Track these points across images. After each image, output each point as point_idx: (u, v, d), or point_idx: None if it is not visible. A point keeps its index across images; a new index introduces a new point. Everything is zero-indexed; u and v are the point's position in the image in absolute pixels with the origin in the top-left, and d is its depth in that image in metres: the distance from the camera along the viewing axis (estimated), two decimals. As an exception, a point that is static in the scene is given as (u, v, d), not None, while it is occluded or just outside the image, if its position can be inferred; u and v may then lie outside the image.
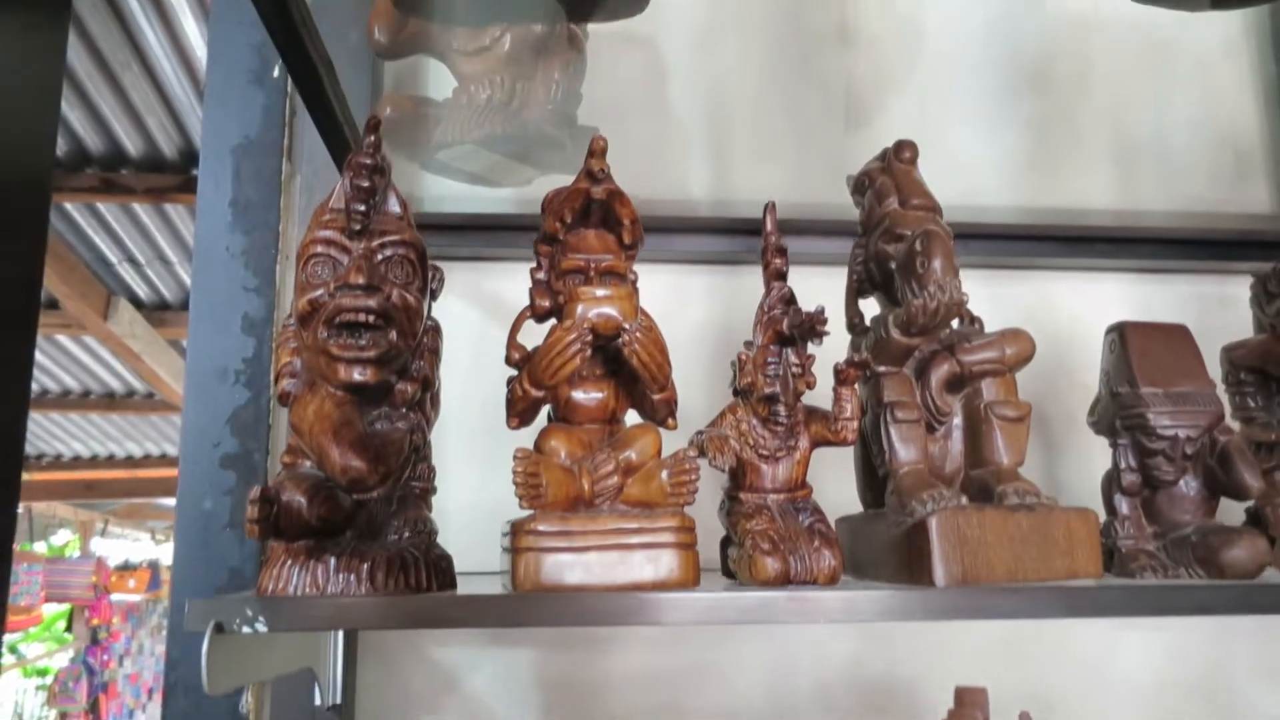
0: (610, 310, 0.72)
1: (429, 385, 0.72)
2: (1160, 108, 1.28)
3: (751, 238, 1.16)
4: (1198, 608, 0.71)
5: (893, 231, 0.82)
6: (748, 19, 1.24)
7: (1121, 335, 0.83)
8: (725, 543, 0.77)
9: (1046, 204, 1.24)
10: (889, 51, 1.25)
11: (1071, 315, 1.21)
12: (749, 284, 1.19)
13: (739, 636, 1.09)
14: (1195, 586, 0.73)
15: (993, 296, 1.22)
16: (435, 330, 0.73)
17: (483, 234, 1.08)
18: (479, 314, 1.13)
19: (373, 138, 0.68)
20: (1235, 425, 0.91)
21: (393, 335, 0.67)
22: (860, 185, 0.88)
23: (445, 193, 1.12)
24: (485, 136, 0.91)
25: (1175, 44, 1.29)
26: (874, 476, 0.81)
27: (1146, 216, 1.24)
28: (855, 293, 0.87)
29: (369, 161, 0.68)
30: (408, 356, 0.70)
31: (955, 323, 0.86)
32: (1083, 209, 1.24)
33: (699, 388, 0.98)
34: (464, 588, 0.72)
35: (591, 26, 1.12)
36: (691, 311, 1.17)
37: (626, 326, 0.71)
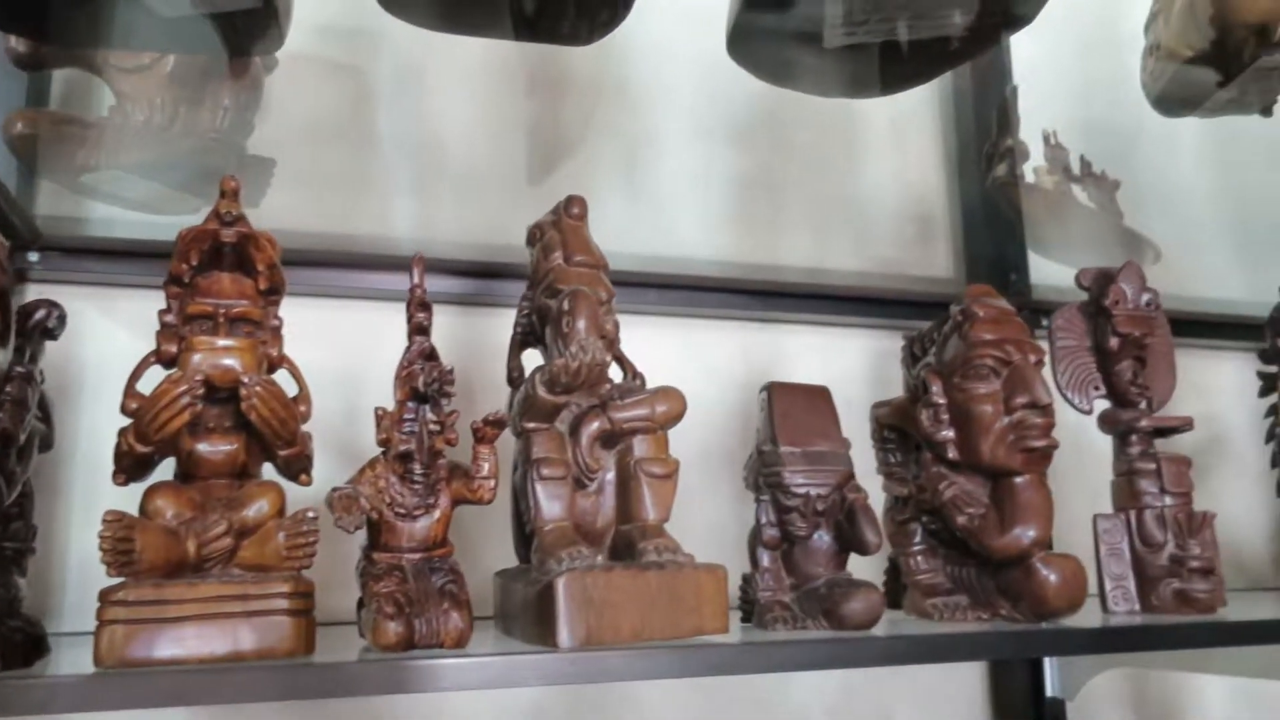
0: (228, 362, 0.68)
1: (9, 440, 0.65)
2: (854, 172, 1.38)
3: (456, 278, 1.16)
4: (809, 662, 0.74)
5: (553, 287, 0.82)
6: (461, 59, 1.23)
7: (770, 395, 0.87)
8: (359, 604, 0.75)
9: (746, 259, 1.30)
10: (602, 102, 1.27)
11: (764, 365, 1.27)
12: (452, 323, 1.18)
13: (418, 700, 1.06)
14: (805, 641, 0.76)
15: (690, 344, 1.26)
16: (25, 379, 0.66)
17: (152, 261, 1.01)
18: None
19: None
20: (880, 479, 0.97)
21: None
22: (532, 237, 0.88)
23: (116, 216, 1.03)
24: (138, 162, 0.84)
25: (869, 113, 1.39)
26: (524, 532, 0.81)
27: (837, 275, 1.32)
28: (519, 345, 0.86)
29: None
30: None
31: (620, 376, 0.87)
32: (779, 265, 1.31)
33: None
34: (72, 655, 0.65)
35: (290, 51, 1.07)
36: (386, 351, 1.14)
37: (245, 380, 0.67)
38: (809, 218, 1.35)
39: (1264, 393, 1.09)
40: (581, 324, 0.75)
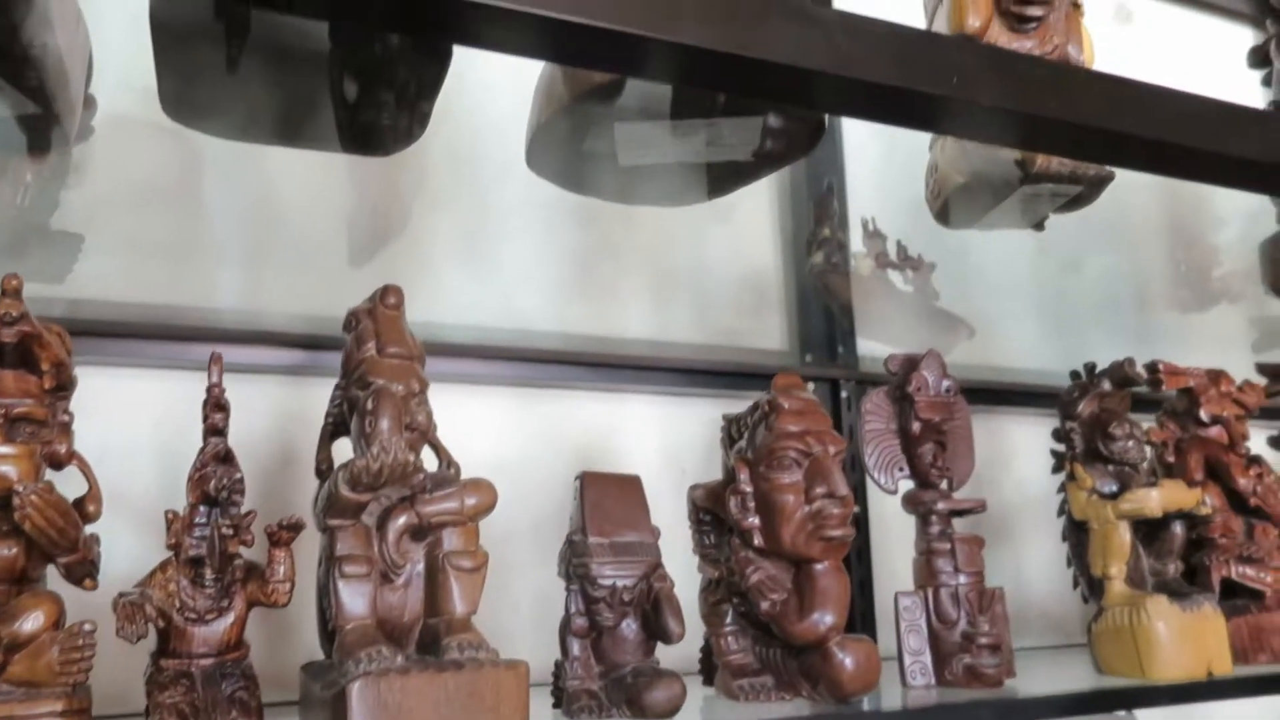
0: (3, 469, 0.65)
1: None
2: (695, 245, 1.42)
3: (286, 349, 1.14)
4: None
5: (364, 379, 0.82)
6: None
7: (581, 485, 0.89)
8: (146, 713, 0.73)
9: (587, 330, 1.32)
10: (441, 172, 1.28)
11: (604, 433, 1.30)
12: (283, 394, 1.16)
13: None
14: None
15: (529, 414, 1.28)
16: None
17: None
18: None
19: None
20: (696, 559, 1.00)
21: None
22: (348, 324, 0.88)
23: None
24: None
25: (710, 193, 1.44)
26: (328, 628, 0.80)
27: (675, 347, 1.36)
28: (329, 435, 0.86)
29: None
30: None
31: (435, 465, 0.88)
32: (620, 336, 1.34)
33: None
34: None
35: (115, 114, 1.05)
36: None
37: (18, 490, 0.65)
38: (649, 289, 1.38)
39: (1056, 469, 1.18)
40: (384, 424, 0.75)
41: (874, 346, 1.43)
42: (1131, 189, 1.47)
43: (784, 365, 1.42)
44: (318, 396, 1.16)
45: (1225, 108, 0.69)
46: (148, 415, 1.10)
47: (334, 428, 0.86)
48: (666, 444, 1.35)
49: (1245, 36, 2.04)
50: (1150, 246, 1.38)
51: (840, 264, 1.22)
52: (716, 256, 1.43)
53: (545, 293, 1.31)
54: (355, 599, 0.77)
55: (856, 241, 1.28)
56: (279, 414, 1.15)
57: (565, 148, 0.72)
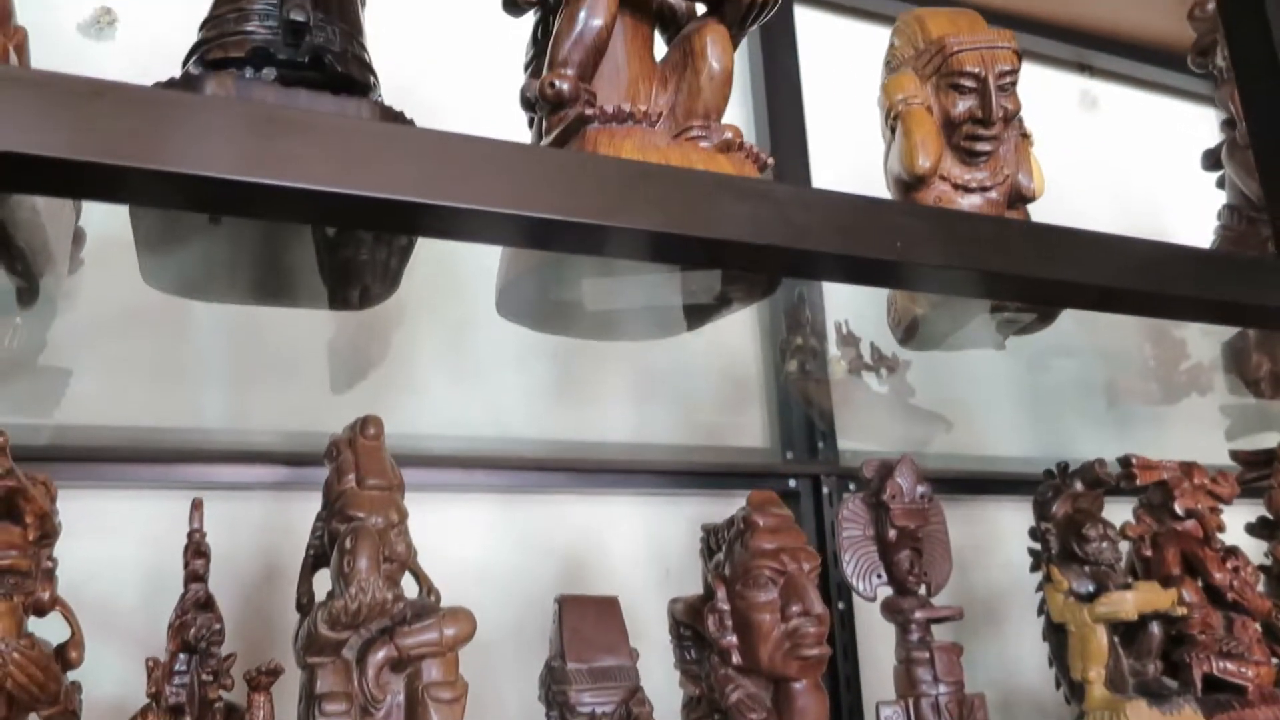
0: (-16, 627, 0.67)
1: None
2: (676, 345, 1.44)
3: (272, 466, 1.16)
4: None
5: (344, 512, 0.84)
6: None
7: (560, 609, 0.91)
8: None
9: (570, 434, 1.34)
10: (424, 283, 1.30)
11: (587, 537, 1.31)
12: (268, 510, 1.18)
13: None
14: None
15: (514, 522, 1.29)
16: None
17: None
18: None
19: None
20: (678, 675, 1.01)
21: None
22: (329, 453, 0.90)
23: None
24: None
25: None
26: (309, 766, 0.80)
27: (656, 450, 1.38)
28: (311, 567, 0.87)
29: None
30: None
31: (417, 591, 0.89)
32: (603, 440, 1.36)
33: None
34: None
35: (104, 236, 1.07)
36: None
37: (1, 647, 0.66)
38: (631, 390, 1.41)
39: (1034, 569, 1.19)
40: (363, 562, 0.77)
41: (854, 444, 1.45)
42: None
43: (765, 463, 1.44)
44: (301, 511, 1.18)
45: (1161, 249, 0.73)
46: (136, 535, 1.11)
47: (315, 559, 0.87)
48: (651, 545, 1.37)
49: (1209, 118, 2.10)
50: (1119, 341, 1.41)
51: (814, 370, 1.24)
52: (697, 355, 1.45)
53: (528, 399, 1.33)
54: (334, 737, 0.78)
55: (833, 344, 1.31)
56: (264, 529, 1.17)
57: (535, 299, 0.75)
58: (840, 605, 1.37)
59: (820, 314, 1.27)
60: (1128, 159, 2.05)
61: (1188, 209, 1.55)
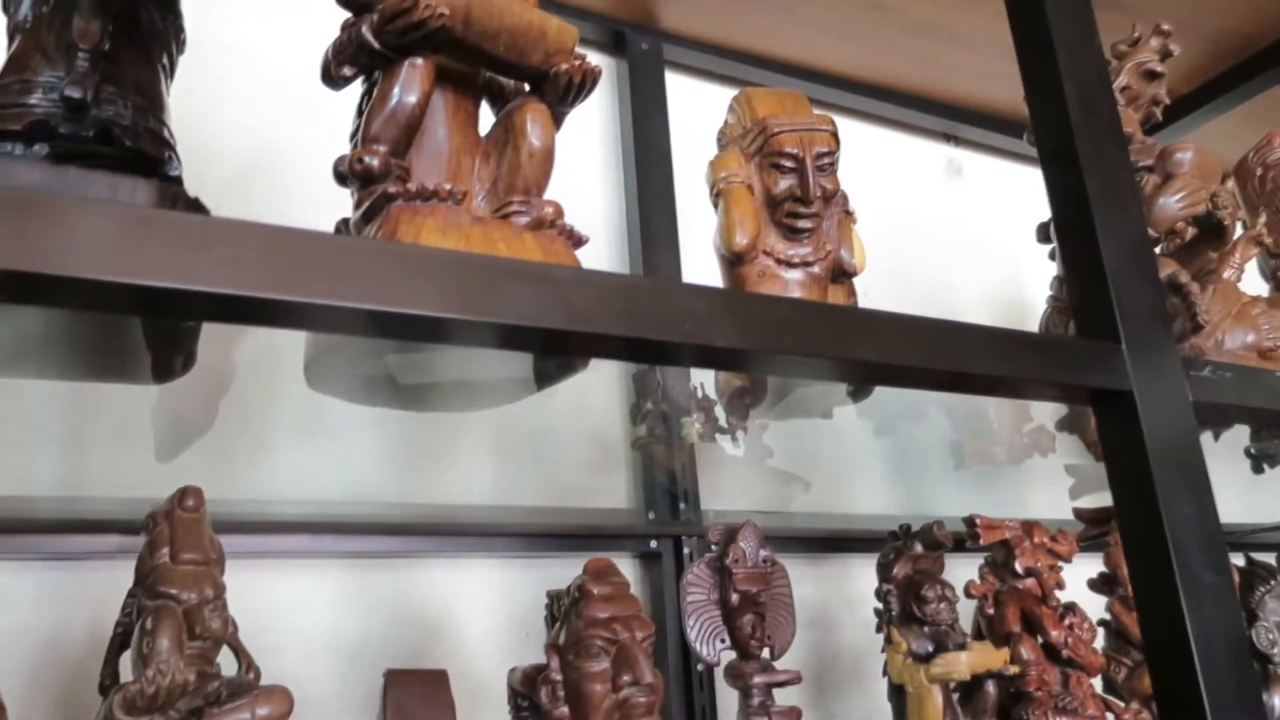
0: None
1: None
2: (538, 407, 1.45)
3: (110, 535, 1.12)
4: None
5: (154, 589, 0.81)
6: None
7: (385, 684, 0.89)
8: None
9: (428, 497, 1.33)
10: (273, 339, 1.29)
11: (445, 603, 1.30)
12: (104, 580, 1.13)
13: None
14: None
15: (368, 587, 1.27)
16: None
17: None
18: None
19: None
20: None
21: None
22: (146, 526, 0.88)
23: None
24: None
25: (553, 354, 1.49)
26: None
27: (517, 512, 1.37)
28: (118, 647, 0.85)
29: None
30: None
31: (238, 667, 0.87)
32: (463, 503, 1.35)
33: None
34: None
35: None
36: (18, 615, 1.08)
37: None
38: (492, 452, 1.40)
39: (878, 630, 1.22)
40: (163, 643, 0.75)
41: (717, 504, 1.47)
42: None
43: (627, 524, 1.45)
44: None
45: (955, 327, 0.76)
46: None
47: (123, 637, 0.84)
48: (510, 610, 1.35)
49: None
50: (966, 403, 1.47)
51: (663, 434, 1.26)
52: (561, 417, 1.46)
53: (384, 463, 1.32)
54: (130, 827, 0.75)
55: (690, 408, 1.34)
56: (94, 602, 1.12)
57: (344, 372, 0.75)
58: (699, 666, 1.37)
59: (681, 378, 1.29)
60: (991, 225, 2.15)
61: (1048, 274, 1.63)
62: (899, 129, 2.11)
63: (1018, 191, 2.25)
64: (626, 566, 1.43)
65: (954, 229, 2.10)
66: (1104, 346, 0.85)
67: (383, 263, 0.56)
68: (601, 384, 1.50)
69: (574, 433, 1.46)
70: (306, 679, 1.14)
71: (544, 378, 0.80)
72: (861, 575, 1.60)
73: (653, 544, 1.41)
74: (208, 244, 0.51)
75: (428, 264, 0.57)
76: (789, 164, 0.90)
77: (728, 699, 1.39)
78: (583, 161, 1.64)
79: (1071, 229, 0.93)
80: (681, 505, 1.43)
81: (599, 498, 1.45)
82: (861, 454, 1.58)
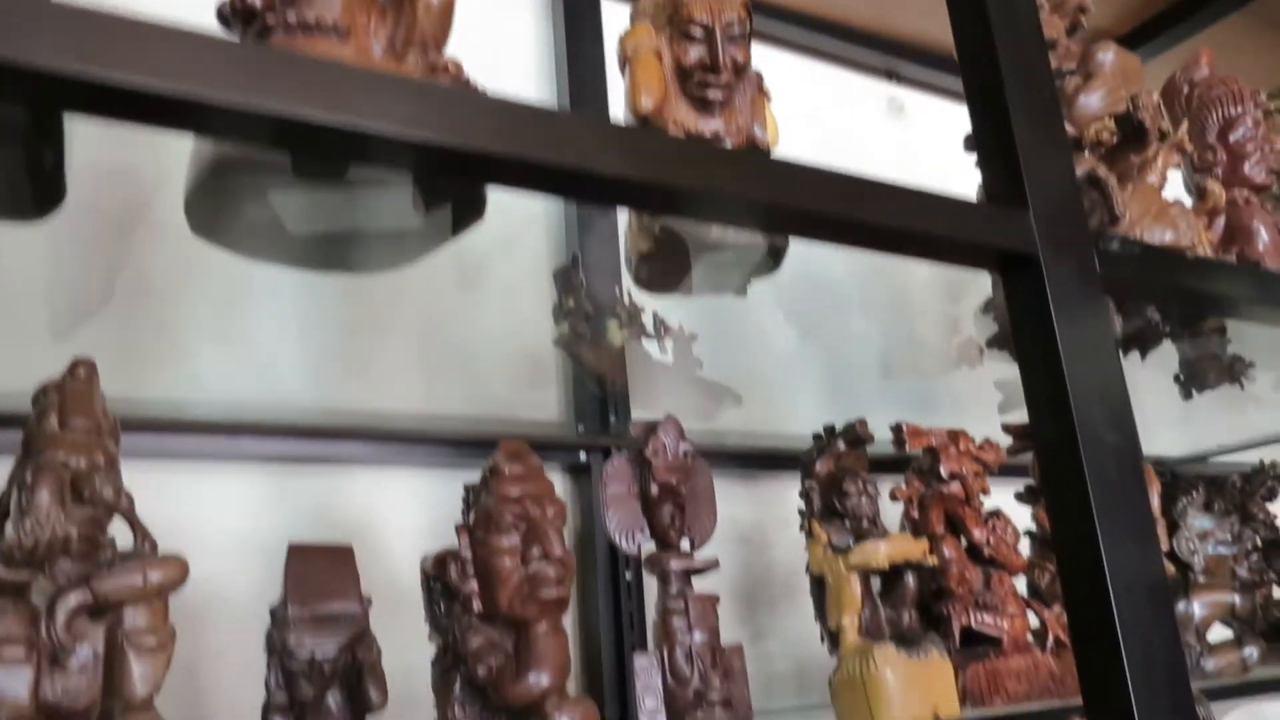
0: None
1: None
2: (468, 318, 1.43)
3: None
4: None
5: (39, 456, 0.79)
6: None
7: (287, 557, 0.88)
8: None
9: (354, 404, 1.31)
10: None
11: (370, 510, 1.28)
12: None
13: None
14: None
15: (289, 492, 1.25)
16: None
17: None
18: None
19: None
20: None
21: None
22: (35, 399, 0.85)
23: None
24: None
25: (481, 260, 1.45)
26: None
27: (444, 420, 1.36)
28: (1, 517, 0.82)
29: None
30: None
31: (133, 541, 0.85)
32: (389, 410, 1.33)
33: None
34: None
35: None
36: None
37: None
38: (420, 362, 1.38)
39: (802, 528, 1.22)
40: (43, 496, 0.73)
41: (648, 417, 1.47)
42: (859, 263, 1.57)
43: (557, 435, 1.44)
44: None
45: (855, 178, 0.76)
46: None
47: (5, 513, 0.82)
48: (435, 518, 1.34)
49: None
50: (893, 316, 1.47)
51: (586, 334, 1.25)
52: (490, 328, 1.44)
53: (307, 367, 1.30)
54: (12, 685, 0.73)
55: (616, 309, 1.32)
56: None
57: (227, 213, 0.73)
58: (628, 575, 1.37)
59: (606, 278, 1.28)
60: (934, 165, 2.15)
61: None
62: (841, 64, 2.10)
63: (961, 132, 2.25)
64: (556, 479, 1.42)
65: (896, 168, 2.10)
66: (1011, 211, 0.85)
67: (243, 60, 0.54)
68: (531, 297, 1.48)
69: (505, 345, 1.45)
70: (221, 575, 1.12)
71: (439, 227, 0.78)
72: (792, 492, 1.61)
73: (582, 456, 1.40)
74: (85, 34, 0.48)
75: (296, 66, 0.55)
76: (698, 33, 0.89)
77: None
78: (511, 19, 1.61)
79: (984, 101, 0.93)
80: (612, 419, 1.42)
81: (529, 410, 1.44)
82: (795, 370, 1.58)
